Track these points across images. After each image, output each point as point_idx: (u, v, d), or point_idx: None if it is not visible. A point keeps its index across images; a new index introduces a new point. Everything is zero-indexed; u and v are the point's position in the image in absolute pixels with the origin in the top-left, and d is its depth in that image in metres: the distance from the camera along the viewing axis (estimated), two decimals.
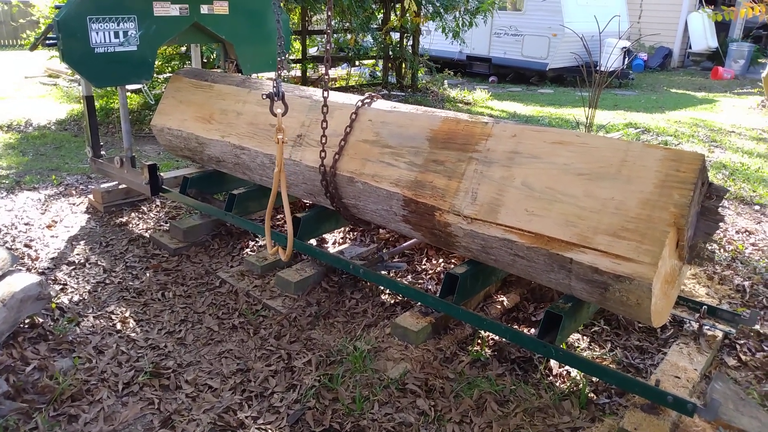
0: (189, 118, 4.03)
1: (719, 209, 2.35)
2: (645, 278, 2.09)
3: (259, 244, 4.01)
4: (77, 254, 3.82)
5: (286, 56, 5.59)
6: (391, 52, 10.06)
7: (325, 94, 2.93)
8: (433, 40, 11.85)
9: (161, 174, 4.22)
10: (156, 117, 4.29)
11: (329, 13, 2.86)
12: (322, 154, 3.01)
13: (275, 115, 2.79)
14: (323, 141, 2.96)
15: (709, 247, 2.41)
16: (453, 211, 2.61)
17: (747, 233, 4.34)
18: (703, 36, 15.46)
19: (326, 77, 2.93)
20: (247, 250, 3.94)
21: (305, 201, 3.64)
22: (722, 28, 15.62)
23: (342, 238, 4.09)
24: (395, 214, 2.91)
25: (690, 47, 16.25)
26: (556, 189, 2.37)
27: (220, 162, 3.92)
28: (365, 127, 3.09)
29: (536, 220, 2.37)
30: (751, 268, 3.75)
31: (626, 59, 11.57)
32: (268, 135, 3.50)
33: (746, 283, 3.52)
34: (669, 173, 2.18)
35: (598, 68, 6.13)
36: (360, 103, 3.18)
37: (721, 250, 4.00)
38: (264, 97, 2.79)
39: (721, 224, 2.39)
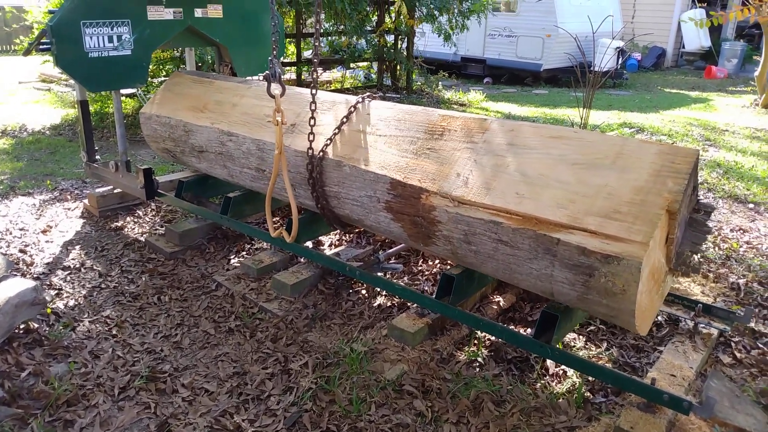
0: (182, 108, 4.01)
1: (707, 223, 2.36)
2: (635, 257, 2.02)
3: (255, 247, 4.01)
4: (72, 259, 3.81)
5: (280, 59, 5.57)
6: (385, 55, 10.07)
7: (315, 75, 2.94)
8: (428, 42, 11.86)
9: (156, 178, 4.22)
10: (147, 105, 4.26)
11: (318, 10, 2.87)
12: (310, 137, 3.00)
13: (272, 96, 2.77)
14: (311, 123, 2.96)
15: (695, 258, 2.43)
16: (441, 193, 2.58)
17: (741, 231, 4.36)
18: (696, 35, 15.52)
19: (316, 52, 2.91)
20: (243, 253, 3.94)
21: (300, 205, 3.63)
22: (715, 28, 15.61)
23: (338, 240, 4.09)
24: (378, 200, 2.86)
25: (683, 47, 16.34)
26: (550, 176, 2.36)
27: (201, 152, 3.87)
28: (363, 119, 3.10)
29: (526, 202, 2.35)
30: (746, 266, 3.77)
31: (620, 59, 11.61)
32: (260, 123, 3.49)
33: (741, 281, 3.54)
34: (664, 164, 2.19)
35: (592, 68, 6.15)
36: (360, 99, 3.19)
37: (716, 249, 4.02)
38: (261, 78, 2.78)
39: (708, 236, 2.40)
